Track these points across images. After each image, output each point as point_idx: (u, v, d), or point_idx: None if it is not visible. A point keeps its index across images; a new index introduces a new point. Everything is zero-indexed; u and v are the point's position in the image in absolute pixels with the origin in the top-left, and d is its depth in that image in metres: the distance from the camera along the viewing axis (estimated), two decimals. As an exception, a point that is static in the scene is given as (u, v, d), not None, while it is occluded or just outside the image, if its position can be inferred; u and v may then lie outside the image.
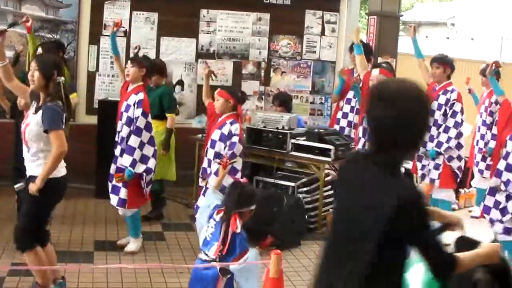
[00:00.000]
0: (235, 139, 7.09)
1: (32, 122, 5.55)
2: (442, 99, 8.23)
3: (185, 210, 9.08)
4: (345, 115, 9.37)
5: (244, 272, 5.08)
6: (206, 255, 5.18)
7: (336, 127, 9.37)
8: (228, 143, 7.05)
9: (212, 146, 7.14)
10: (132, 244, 7.48)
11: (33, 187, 5.48)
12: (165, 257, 7.37)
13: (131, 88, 7.38)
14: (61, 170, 5.72)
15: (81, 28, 10.08)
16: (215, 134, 7.15)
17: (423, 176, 8.38)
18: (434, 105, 8.17)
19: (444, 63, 8.35)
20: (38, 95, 5.65)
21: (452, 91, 8.25)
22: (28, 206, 5.68)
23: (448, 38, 25.51)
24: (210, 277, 5.13)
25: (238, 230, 5.11)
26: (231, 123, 7.12)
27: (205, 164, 7.25)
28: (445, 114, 8.19)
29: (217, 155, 7.04)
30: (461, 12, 26.19)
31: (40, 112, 5.53)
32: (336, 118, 9.56)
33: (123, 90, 7.65)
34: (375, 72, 7.22)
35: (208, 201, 5.47)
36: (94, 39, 10.13)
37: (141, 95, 7.26)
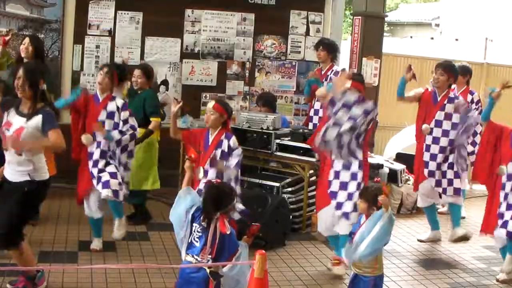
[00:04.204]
0: (239, 151, 7.13)
1: (29, 126, 5.76)
2: (449, 108, 8.32)
3: (170, 210, 9.04)
4: (316, 112, 9.36)
5: (238, 273, 5.09)
6: (195, 258, 5.14)
7: (310, 125, 9.40)
8: (233, 155, 7.07)
9: (214, 166, 7.10)
10: (119, 227, 7.53)
11: (21, 144, 5.73)
12: (149, 257, 7.37)
13: (103, 98, 7.36)
14: (47, 173, 6.04)
15: (66, 27, 10.06)
16: (214, 154, 7.09)
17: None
18: (441, 115, 8.31)
19: (450, 72, 8.40)
20: (13, 101, 5.92)
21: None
22: (16, 206, 5.84)
23: (432, 38, 25.56)
24: (200, 280, 5.08)
25: (228, 231, 5.10)
26: (227, 138, 7.07)
27: (201, 186, 7.08)
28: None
29: (220, 175, 7.07)
30: (445, 13, 26.24)
31: (38, 117, 5.79)
32: (309, 116, 9.59)
33: (83, 101, 7.44)
34: (347, 84, 7.12)
35: (185, 203, 5.37)
36: (79, 38, 10.11)
37: (119, 100, 7.37)
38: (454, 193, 8.42)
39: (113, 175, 7.30)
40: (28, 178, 5.85)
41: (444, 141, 8.30)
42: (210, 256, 5.08)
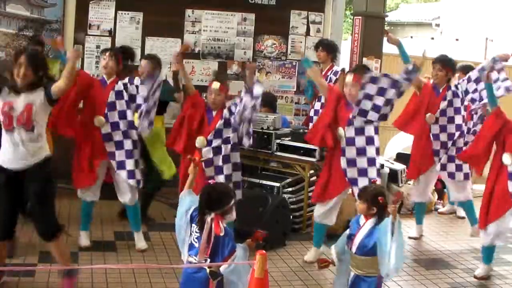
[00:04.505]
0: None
1: (36, 101, 5.79)
2: (449, 95, 8.49)
3: (170, 210, 9.04)
4: (316, 112, 9.40)
5: (234, 273, 5.06)
6: (194, 259, 5.13)
7: (310, 125, 9.42)
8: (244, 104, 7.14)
9: (219, 136, 7.18)
10: (139, 239, 7.66)
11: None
12: (150, 257, 7.37)
13: (110, 81, 7.40)
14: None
15: (66, 27, 10.05)
16: (218, 125, 7.20)
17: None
18: (444, 104, 8.46)
19: (448, 67, 8.52)
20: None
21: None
22: (48, 197, 5.97)
23: (433, 38, 25.59)
24: (201, 279, 5.06)
25: (222, 233, 5.07)
26: (225, 107, 7.26)
27: (209, 154, 7.21)
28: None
29: (226, 141, 7.20)
30: (446, 13, 26.26)
31: (41, 90, 5.81)
32: (309, 116, 9.63)
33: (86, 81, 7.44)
34: (349, 78, 7.21)
35: (185, 204, 5.37)
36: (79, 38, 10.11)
37: (125, 79, 7.40)
38: (464, 178, 8.61)
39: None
40: (43, 156, 5.92)
41: (451, 128, 8.50)
42: (207, 257, 5.07)
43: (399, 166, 10.20)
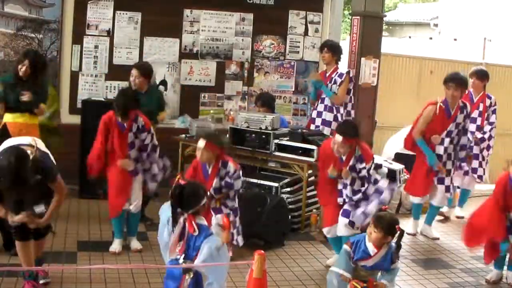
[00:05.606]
0: (239, 173, 7.18)
1: None
2: (460, 118, 8.61)
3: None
4: (319, 114, 9.42)
5: (209, 259, 5.07)
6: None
7: (312, 126, 9.42)
8: (235, 177, 7.13)
9: (219, 192, 7.16)
10: (135, 242, 7.70)
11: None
12: (148, 257, 7.36)
13: (127, 124, 7.41)
14: None
15: (64, 27, 10.05)
16: (216, 183, 7.12)
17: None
18: (453, 125, 8.58)
19: (463, 86, 8.58)
20: None
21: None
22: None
23: (431, 38, 25.53)
24: (176, 275, 5.17)
25: (196, 233, 5.08)
26: (224, 166, 7.11)
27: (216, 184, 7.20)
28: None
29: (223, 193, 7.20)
30: (444, 13, 26.22)
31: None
32: (311, 118, 9.62)
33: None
34: (338, 138, 7.05)
35: (165, 216, 5.38)
36: (77, 38, 10.10)
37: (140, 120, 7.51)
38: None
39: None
40: None
41: (451, 149, 8.63)
42: (180, 254, 5.11)
43: (397, 166, 10.19)
